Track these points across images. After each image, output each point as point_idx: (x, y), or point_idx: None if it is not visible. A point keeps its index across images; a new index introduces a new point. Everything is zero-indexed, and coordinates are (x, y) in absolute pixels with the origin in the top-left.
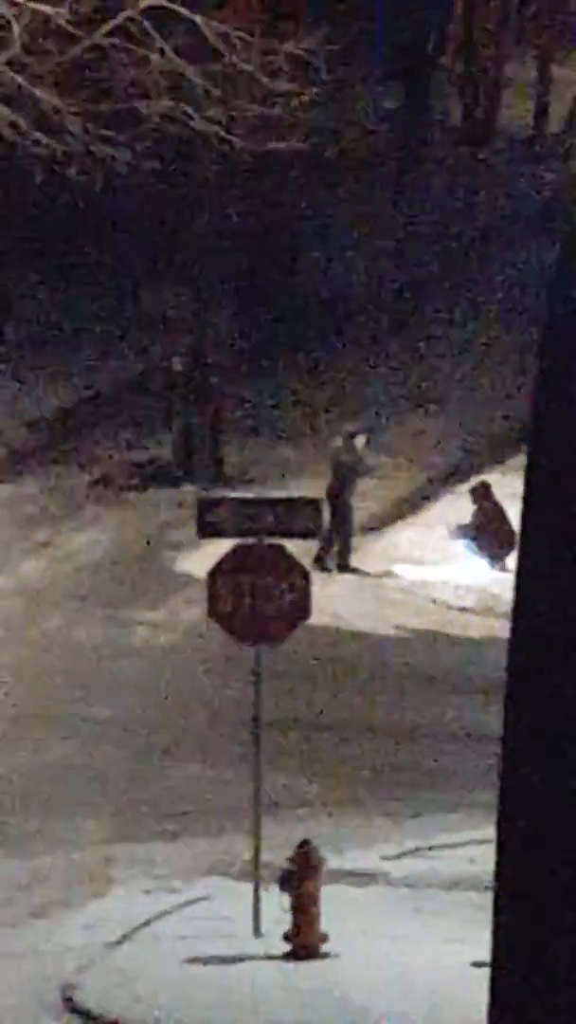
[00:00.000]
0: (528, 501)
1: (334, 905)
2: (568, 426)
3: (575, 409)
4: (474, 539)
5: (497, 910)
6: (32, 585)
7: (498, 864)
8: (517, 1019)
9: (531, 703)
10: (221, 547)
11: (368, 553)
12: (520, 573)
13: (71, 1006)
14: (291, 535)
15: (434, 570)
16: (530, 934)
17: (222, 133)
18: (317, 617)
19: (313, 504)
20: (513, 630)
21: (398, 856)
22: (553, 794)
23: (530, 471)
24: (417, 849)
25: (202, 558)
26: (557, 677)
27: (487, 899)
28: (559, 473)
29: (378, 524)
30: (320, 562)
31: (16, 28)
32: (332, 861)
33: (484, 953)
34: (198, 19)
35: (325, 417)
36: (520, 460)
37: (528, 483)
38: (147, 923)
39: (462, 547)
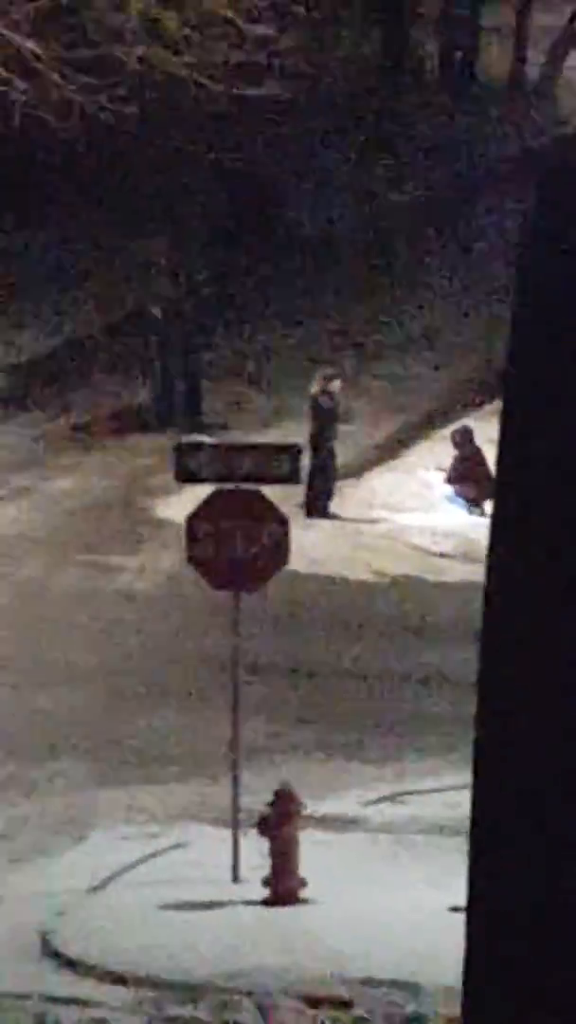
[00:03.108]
0: (502, 447)
1: (313, 851)
2: (541, 372)
3: (547, 354)
4: (453, 484)
5: (473, 855)
6: (11, 531)
7: (473, 809)
8: (492, 962)
9: (504, 649)
10: (200, 493)
11: (346, 498)
12: (494, 519)
13: (49, 951)
14: (270, 481)
15: (412, 515)
16: (505, 878)
17: (199, 78)
18: (296, 563)
19: (292, 449)
20: (487, 577)
21: (377, 802)
22: (527, 741)
23: (504, 417)
24: (396, 795)
25: (181, 504)
26: (530, 624)
27: (465, 844)
28: (532, 420)
29: (356, 469)
30: (309, 508)
31: None
32: (311, 807)
33: (462, 898)
34: None
35: (305, 362)
36: (500, 405)
37: (502, 429)
38: (126, 868)
39: (440, 493)
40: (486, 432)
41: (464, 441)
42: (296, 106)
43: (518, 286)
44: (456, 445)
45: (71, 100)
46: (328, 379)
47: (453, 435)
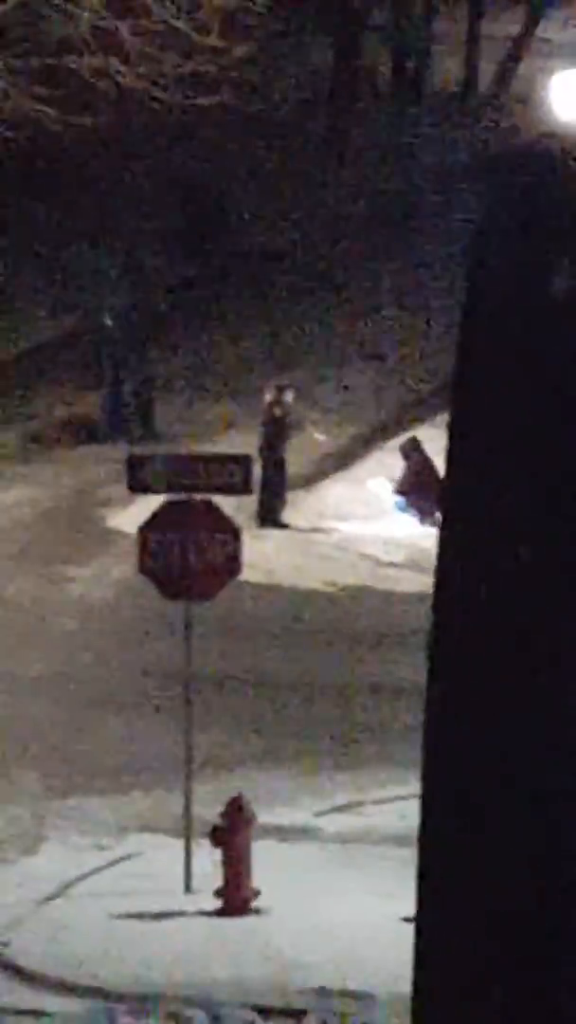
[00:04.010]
0: (450, 457)
1: (265, 861)
2: (489, 381)
3: (495, 364)
4: (403, 495)
5: (420, 866)
6: None
7: (422, 820)
8: (441, 973)
9: (451, 660)
10: (152, 503)
11: (298, 508)
12: (442, 529)
13: (1, 963)
14: (221, 491)
15: (364, 525)
16: (452, 889)
17: (151, 89)
18: (248, 573)
19: (244, 460)
20: (435, 587)
21: (329, 812)
22: (476, 750)
23: (451, 428)
24: (348, 805)
25: (133, 514)
26: (477, 634)
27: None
28: (479, 431)
29: (308, 479)
30: (262, 518)
31: None
32: (263, 817)
33: (414, 908)
34: None
35: (256, 372)
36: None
37: (450, 439)
38: (79, 879)
39: (393, 503)
40: (438, 443)
41: (412, 452)
42: (248, 117)
43: (468, 296)
44: (405, 456)
45: (23, 110)
46: (281, 389)
47: (402, 447)
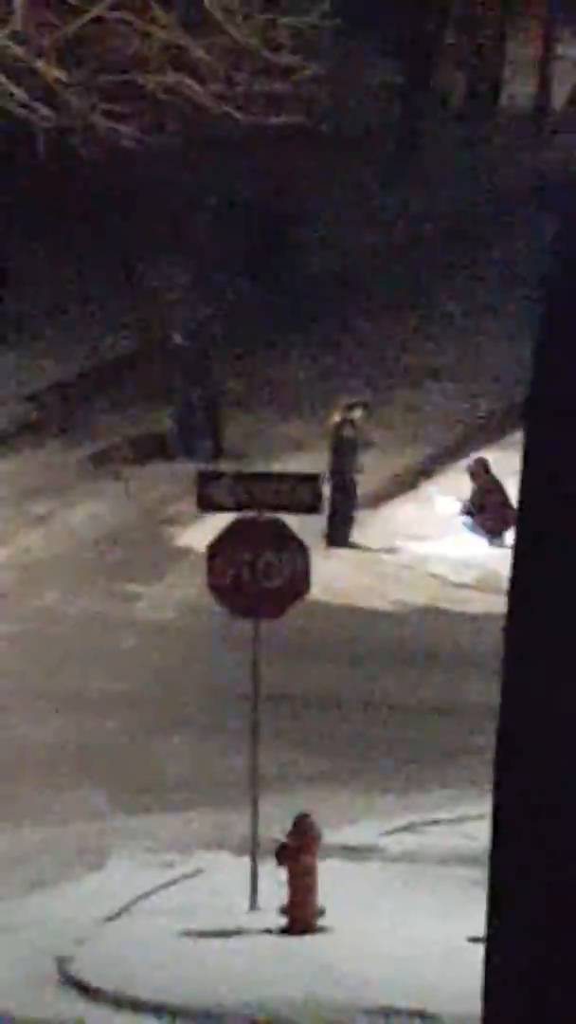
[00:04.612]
0: (524, 478)
1: (331, 879)
2: (564, 404)
3: (571, 385)
4: (471, 515)
5: (492, 885)
6: (31, 558)
7: (493, 839)
8: (511, 994)
9: (525, 681)
10: (220, 522)
11: (367, 528)
12: (516, 550)
13: (67, 979)
14: (291, 510)
15: (433, 545)
16: (524, 909)
17: (223, 107)
18: (316, 592)
19: (313, 479)
20: (508, 607)
21: (396, 831)
22: (548, 771)
23: (526, 449)
24: (414, 824)
25: (201, 533)
26: (550, 655)
27: (484, 874)
28: (554, 451)
29: (377, 499)
30: (330, 537)
31: (18, 1)
32: (329, 836)
33: (480, 928)
34: None
35: (325, 392)
36: (519, 437)
37: (524, 460)
38: (144, 896)
39: (461, 523)
40: (508, 463)
41: (480, 472)
42: (318, 135)
43: (544, 317)
44: (473, 477)
45: (95, 127)
46: (350, 408)
47: (469, 467)
